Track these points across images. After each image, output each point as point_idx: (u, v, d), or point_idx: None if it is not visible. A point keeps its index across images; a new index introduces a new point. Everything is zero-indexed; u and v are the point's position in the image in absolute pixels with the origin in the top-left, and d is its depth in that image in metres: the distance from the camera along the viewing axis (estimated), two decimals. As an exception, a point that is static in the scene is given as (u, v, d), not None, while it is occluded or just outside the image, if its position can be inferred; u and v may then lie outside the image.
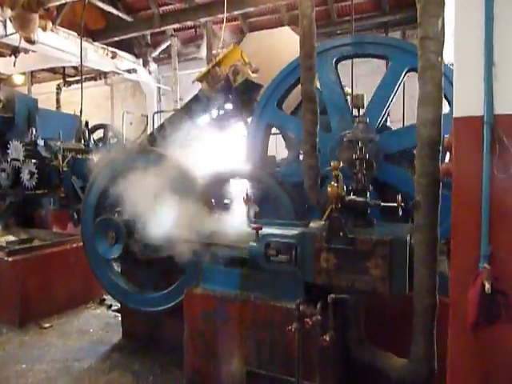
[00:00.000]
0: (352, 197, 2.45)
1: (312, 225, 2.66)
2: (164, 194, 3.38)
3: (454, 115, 1.78)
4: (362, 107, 3.91)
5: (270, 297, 2.70)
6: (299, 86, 4.01)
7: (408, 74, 3.31)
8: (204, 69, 4.54)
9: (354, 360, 2.48)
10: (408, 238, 2.27)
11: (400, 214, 2.35)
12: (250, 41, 4.50)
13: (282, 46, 4.25)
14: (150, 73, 9.92)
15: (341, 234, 2.31)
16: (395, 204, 2.42)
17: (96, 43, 8.47)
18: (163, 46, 9.62)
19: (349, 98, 3.94)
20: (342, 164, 2.49)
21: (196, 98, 4.68)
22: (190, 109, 4.74)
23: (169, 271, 3.61)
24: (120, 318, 4.47)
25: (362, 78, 5.47)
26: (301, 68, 2.60)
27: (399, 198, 2.41)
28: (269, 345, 2.66)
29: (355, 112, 3.62)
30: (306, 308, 2.47)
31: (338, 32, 8.65)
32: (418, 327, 2.09)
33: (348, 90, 4.55)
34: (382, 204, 2.45)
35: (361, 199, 2.45)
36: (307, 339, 2.45)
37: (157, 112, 8.88)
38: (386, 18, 8.26)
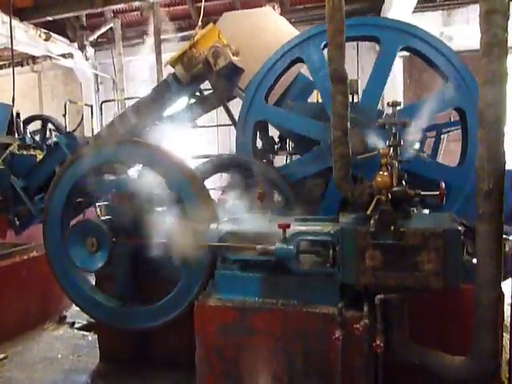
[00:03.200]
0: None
1: (343, 219, 2.42)
2: (159, 188, 2.93)
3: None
4: (357, 93, 3.75)
5: (300, 303, 2.41)
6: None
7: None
8: (177, 51, 4.05)
9: (400, 363, 2.30)
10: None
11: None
12: (227, 21, 4.10)
13: (267, 27, 3.92)
14: (86, 59, 8.91)
15: (392, 228, 2.10)
16: (437, 193, 2.28)
17: (25, 22, 7.32)
18: (103, 29, 8.66)
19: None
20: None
21: (165, 84, 4.17)
22: (158, 96, 4.22)
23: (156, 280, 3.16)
24: (90, 338, 3.91)
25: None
26: (329, 45, 2.33)
27: (443, 185, 2.27)
28: (302, 356, 2.37)
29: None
30: (347, 312, 2.24)
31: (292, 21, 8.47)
32: (482, 322, 1.96)
33: None
34: (423, 193, 2.29)
35: (400, 189, 2.27)
36: (349, 346, 2.22)
37: (105, 101, 7.98)
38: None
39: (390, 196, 2.09)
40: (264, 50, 3.83)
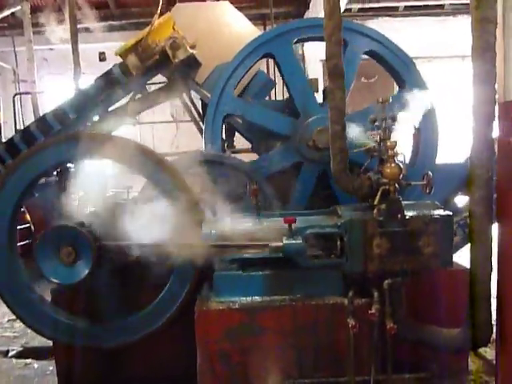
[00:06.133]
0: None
1: (345, 212, 2.49)
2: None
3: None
4: (317, 91, 3.89)
5: (306, 296, 2.43)
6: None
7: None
8: (130, 40, 3.71)
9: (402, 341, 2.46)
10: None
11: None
12: (181, 13, 3.89)
13: (224, 21, 3.82)
14: (-19, 46, 7.59)
15: (399, 215, 2.24)
16: (425, 182, 2.48)
17: None
18: (5, 13, 7.43)
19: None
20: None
21: (110, 76, 3.79)
22: (100, 89, 3.82)
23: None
24: (36, 365, 3.41)
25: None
26: (328, 42, 2.37)
27: (430, 175, 2.47)
28: (312, 349, 2.39)
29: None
30: (355, 300, 2.33)
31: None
32: (478, 295, 2.19)
33: None
34: (413, 183, 2.48)
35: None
36: (361, 333, 2.30)
37: (18, 94, 6.84)
38: (267, 10, 8.16)
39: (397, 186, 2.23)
40: (223, 46, 3.74)
